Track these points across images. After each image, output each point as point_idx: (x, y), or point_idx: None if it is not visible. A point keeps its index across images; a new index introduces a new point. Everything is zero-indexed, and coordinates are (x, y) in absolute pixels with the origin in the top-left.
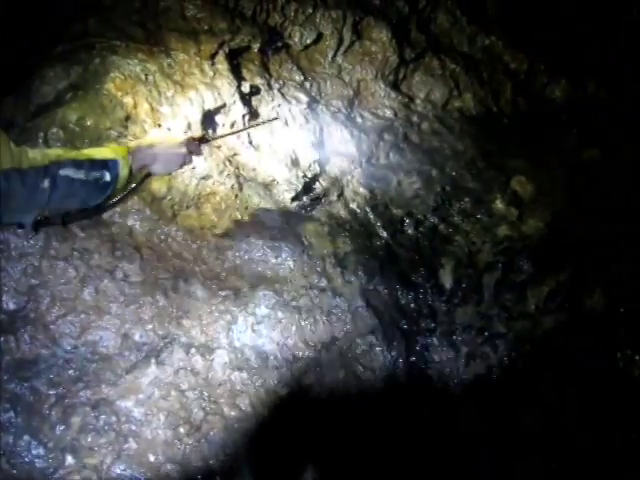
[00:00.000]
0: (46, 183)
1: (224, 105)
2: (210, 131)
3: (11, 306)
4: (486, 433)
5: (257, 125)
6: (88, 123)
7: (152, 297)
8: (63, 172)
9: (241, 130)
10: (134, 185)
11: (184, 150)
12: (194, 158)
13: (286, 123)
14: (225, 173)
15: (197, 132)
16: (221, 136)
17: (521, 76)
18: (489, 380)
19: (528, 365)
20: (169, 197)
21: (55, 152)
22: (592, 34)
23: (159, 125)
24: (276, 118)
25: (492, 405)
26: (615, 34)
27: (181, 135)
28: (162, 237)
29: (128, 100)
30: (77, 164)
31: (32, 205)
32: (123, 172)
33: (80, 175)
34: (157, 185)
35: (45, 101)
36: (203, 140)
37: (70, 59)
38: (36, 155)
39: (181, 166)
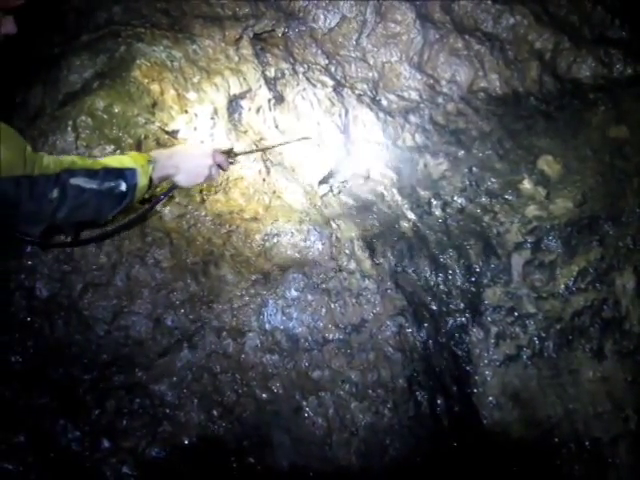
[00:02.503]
0: (55, 193)
1: (250, 90)
2: (234, 148)
3: (44, 293)
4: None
5: (287, 143)
6: (116, 110)
7: (183, 282)
8: (74, 181)
9: (270, 147)
10: (161, 197)
11: (210, 161)
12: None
13: (312, 106)
14: (252, 157)
15: (224, 146)
16: (249, 152)
17: (547, 55)
18: (519, 360)
19: (558, 345)
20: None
21: (70, 159)
22: (619, 10)
23: (186, 111)
24: (308, 137)
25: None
26: None
27: (208, 142)
28: (191, 222)
29: (155, 87)
30: (91, 173)
31: (39, 215)
32: (142, 182)
33: (92, 185)
34: None
35: (73, 89)
36: (230, 154)
37: (96, 47)
38: (50, 162)
39: (207, 179)
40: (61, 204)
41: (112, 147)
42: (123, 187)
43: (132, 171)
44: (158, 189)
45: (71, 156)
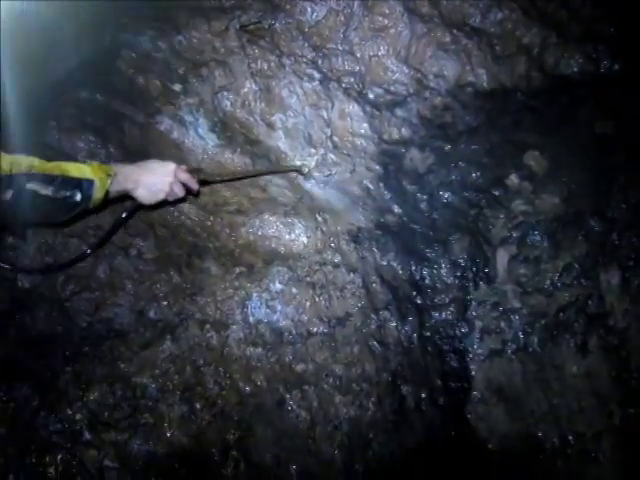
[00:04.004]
0: (8, 194)
1: (235, 82)
2: (208, 171)
3: (26, 284)
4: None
5: (274, 173)
6: (100, 101)
7: (166, 274)
8: (30, 186)
9: (254, 175)
10: (123, 216)
11: (171, 179)
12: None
13: (298, 99)
14: (238, 150)
15: (192, 165)
16: (225, 180)
17: (535, 51)
18: (504, 355)
19: (543, 340)
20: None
21: (29, 162)
22: (607, 6)
23: (171, 103)
24: (298, 170)
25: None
26: (631, 6)
27: (174, 163)
28: (175, 214)
29: (140, 78)
30: (48, 179)
31: None
32: (97, 195)
33: (48, 192)
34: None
35: (57, 79)
36: (199, 176)
37: (80, 37)
38: (7, 162)
39: (169, 197)
40: (14, 206)
41: (94, 138)
42: (78, 197)
43: (89, 183)
44: None
45: (31, 157)
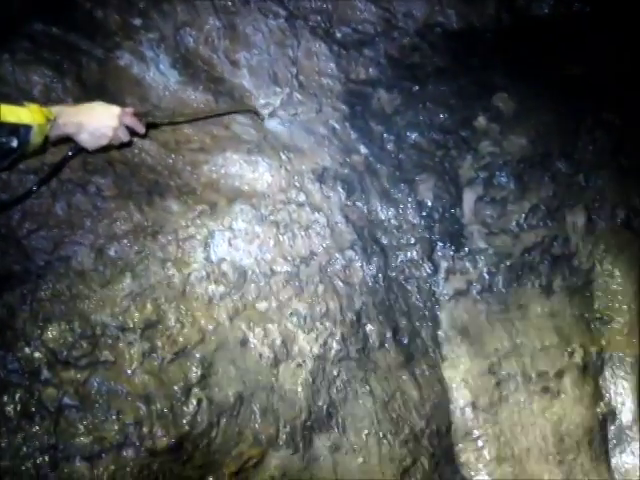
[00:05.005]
0: None
1: (198, 17)
2: (158, 113)
3: None
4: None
5: (228, 114)
6: (56, 34)
7: (126, 212)
8: None
9: (206, 117)
10: (69, 154)
11: (115, 123)
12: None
13: (263, 37)
14: (200, 87)
15: (141, 109)
16: (175, 122)
17: None
18: (469, 295)
19: (508, 280)
20: (142, 111)
21: None
22: None
23: (131, 38)
24: (255, 112)
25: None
26: None
27: (117, 105)
28: (136, 151)
29: (98, 12)
30: None
31: None
32: (35, 140)
33: None
34: (129, 98)
35: (10, 12)
36: (147, 119)
37: None
38: None
39: (113, 142)
40: None
41: (51, 72)
42: (14, 144)
43: (27, 128)
44: None
45: None
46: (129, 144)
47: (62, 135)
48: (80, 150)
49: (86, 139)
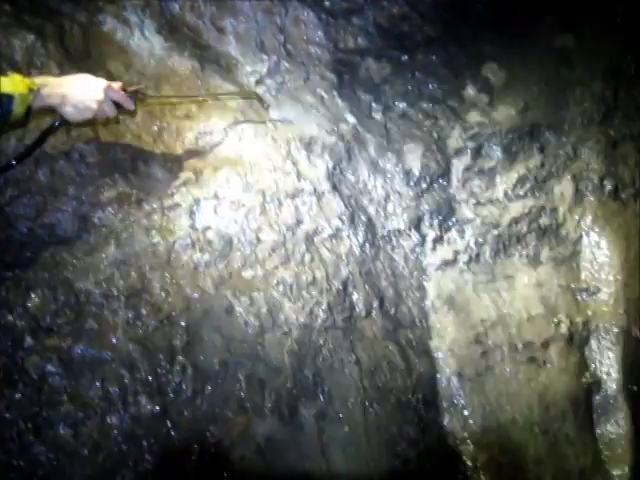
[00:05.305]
0: None
1: None
2: (149, 90)
3: None
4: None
5: (227, 95)
6: None
7: (110, 179)
8: None
9: (203, 97)
10: (54, 125)
11: (100, 97)
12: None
13: (250, 3)
14: (186, 54)
15: (134, 85)
16: (166, 97)
17: None
18: (456, 265)
19: (495, 251)
20: (126, 77)
21: None
22: None
23: (115, 3)
24: (254, 98)
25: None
26: None
27: (106, 81)
28: (120, 117)
29: None
30: None
31: None
32: (17, 110)
33: None
34: (114, 65)
35: None
36: (136, 95)
37: None
38: None
39: (98, 116)
40: None
41: (33, 37)
42: None
43: (9, 98)
44: None
45: None
46: (117, 120)
47: (45, 106)
48: (64, 123)
49: (70, 112)
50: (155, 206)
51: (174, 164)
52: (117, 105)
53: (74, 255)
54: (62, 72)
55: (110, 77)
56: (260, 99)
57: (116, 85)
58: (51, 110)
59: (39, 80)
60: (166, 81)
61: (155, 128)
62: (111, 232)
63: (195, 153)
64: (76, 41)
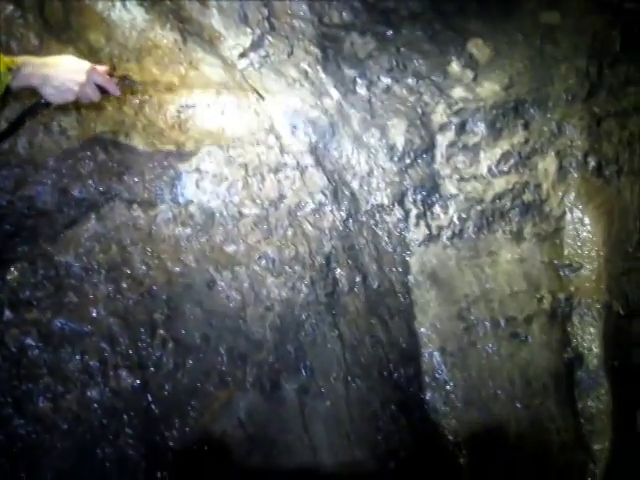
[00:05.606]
0: None
1: None
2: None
3: None
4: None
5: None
6: None
7: (91, 152)
8: None
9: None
10: (26, 109)
11: (82, 79)
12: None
13: None
14: (168, 26)
15: (121, 70)
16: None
17: None
18: (439, 241)
19: (478, 226)
20: (107, 49)
21: None
22: None
23: None
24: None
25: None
26: None
27: (90, 63)
28: None
29: None
30: None
31: None
32: None
33: None
34: (94, 36)
35: None
36: (124, 80)
37: None
38: None
39: (80, 98)
40: None
41: (11, 7)
42: None
43: None
44: None
45: None
46: (101, 106)
47: (26, 86)
48: (44, 104)
49: (51, 93)
50: (136, 179)
51: (156, 137)
52: (102, 89)
53: (54, 228)
54: (41, 43)
55: (90, 49)
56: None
57: (102, 68)
58: (33, 90)
59: (21, 59)
60: (148, 54)
61: (136, 101)
62: (92, 205)
63: (177, 126)
64: (56, 12)
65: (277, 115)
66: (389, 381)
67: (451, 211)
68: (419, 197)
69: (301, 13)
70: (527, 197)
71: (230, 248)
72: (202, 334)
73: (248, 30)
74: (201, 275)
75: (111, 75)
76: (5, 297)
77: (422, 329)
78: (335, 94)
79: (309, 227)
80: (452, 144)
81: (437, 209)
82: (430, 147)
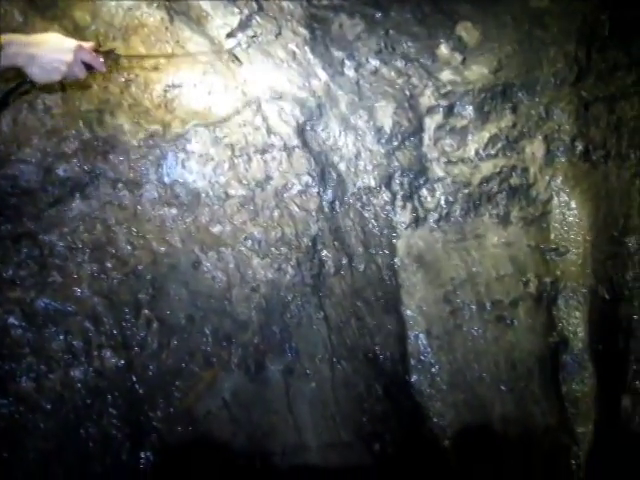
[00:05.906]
0: None
1: None
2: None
3: None
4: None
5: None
6: None
7: (76, 130)
8: None
9: (170, 55)
10: (10, 88)
11: (69, 58)
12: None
13: None
14: (154, 5)
15: (107, 45)
16: (140, 56)
17: None
18: (426, 224)
19: (465, 210)
20: (93, 27)
21: None
22: None
23: None
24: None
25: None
26: None
27: (76, 41)
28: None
29: None
30: None
31: None
32: None
33: None
34: (80, 14)
35: None
36: (110, 55)
37: None
38: None
39: (66, 77)
40: None
41: None
42: None
43: None
44: None
45: None
46: (87, 85)
47: (10, 66)
48: (29, 83)
49: (36, 73)
50: (122, 158)
51: (141, 116)
52: (87, 66)
53: (38, 207)
54: (26, 20)
55: (76, 27)
56: (235, 56)
57: (87, 45)
58: (18, 70)
59: (5, 38)
60: (134, 32)
61: (122, 79)
62: (76, 184)
63: (163, 105)
64: None
65: (264, 96)
66: (374, 363)
67: (438, 194)
68: (406, 180)
69: None
70: (514, 181)
71: (216, 229)
72: (187, 314)
73: (236, 10)
74: (186, 255)
75: (97, 51)
76: None
77: (408, 312)
78: (323, 75)
79: (295, 208)
80: (440, 127)
81: (424, 192)
82: (418, 130)
